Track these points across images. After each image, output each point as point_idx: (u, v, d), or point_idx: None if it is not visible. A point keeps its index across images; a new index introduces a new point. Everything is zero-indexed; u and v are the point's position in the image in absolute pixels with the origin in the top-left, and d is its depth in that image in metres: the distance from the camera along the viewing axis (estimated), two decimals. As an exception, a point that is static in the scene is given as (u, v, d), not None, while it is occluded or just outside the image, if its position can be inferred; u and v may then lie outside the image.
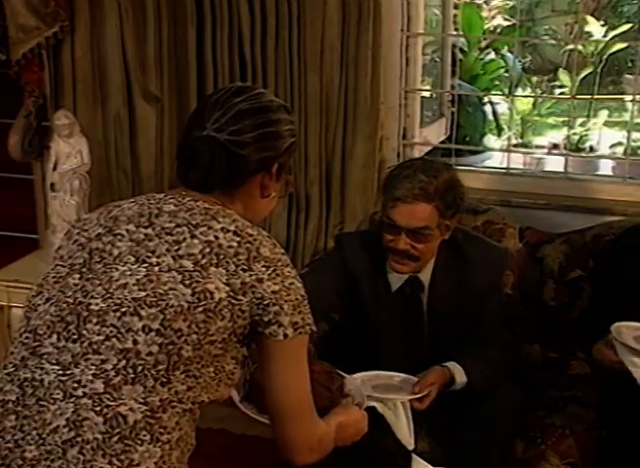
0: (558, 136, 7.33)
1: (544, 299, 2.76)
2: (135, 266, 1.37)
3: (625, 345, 2.11)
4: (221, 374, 1.40)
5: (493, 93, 6.00)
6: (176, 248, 1.38)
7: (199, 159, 1.49)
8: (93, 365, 1.31)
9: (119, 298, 1.34)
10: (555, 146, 7.33)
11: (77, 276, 1.40)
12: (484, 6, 6.82)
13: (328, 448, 1.55)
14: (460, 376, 2.25)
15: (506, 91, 6.56)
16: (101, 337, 1.32)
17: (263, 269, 1.39)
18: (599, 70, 6.79)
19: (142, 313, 1.33)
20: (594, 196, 2.93)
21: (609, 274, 2.45)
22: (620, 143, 6.72)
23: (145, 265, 1.37)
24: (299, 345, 1.42)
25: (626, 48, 7.60)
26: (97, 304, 1.35)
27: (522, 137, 6.76)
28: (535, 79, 7.20)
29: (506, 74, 6.30)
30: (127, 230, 1.43)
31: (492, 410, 2.23)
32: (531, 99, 6.63)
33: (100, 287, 1.37)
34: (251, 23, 2.93)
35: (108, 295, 1.35)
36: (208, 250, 1.38)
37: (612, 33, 6.98)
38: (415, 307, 2.36)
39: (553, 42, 8.48)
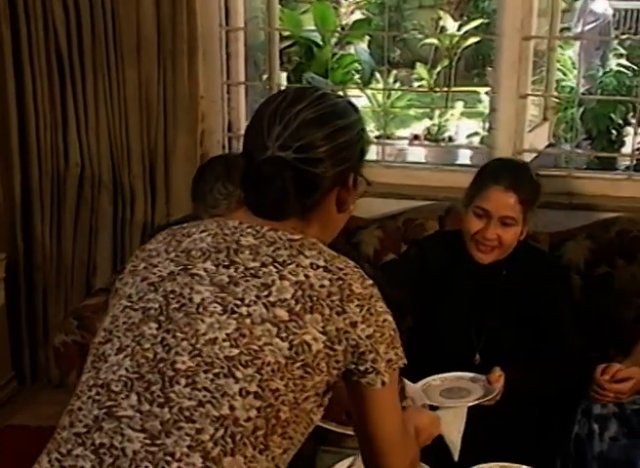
0: (420, 127, 7.58)
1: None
2: (223, 317, 1.20)
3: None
4: (310, 427, 1.27)
5: (347, 86, 6.15)
6: (265, 293, 1.21)
7: (268, 185, 1.28)
8: (187, 435, 1.14)
9: (210, 357, 1.17)
10: (416, 137, 7.57)
11: (154, 325, 1.22)
12: (342, 1, 6.98)
13: (416, 462, 1.45)
14: None
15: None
16: (194, 403, 1.15)
17: (357, 309, 1.23)
18: (454, 63, 7.04)
19: (238, 374, 1.16)
20: (407, 182, 3.05)
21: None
22: (476, 133, 7.02)
23: (235, 316, 1.20)
24: (392, 382, 1.28)
25: (480, 41, 7.91)
26: (183, 363, 1.18)
27: (385, 129, 6.93)
28: (395, 72, 7.41)
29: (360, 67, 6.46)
30: (205, 270, 1.24)
31: None
32: (391, 93, 6.82)
33: (184, 341, 1.19)
34: (65, 19, 2.92)
35: (196, 353, 1.18)
36: (300, 293, 1.21)
37: (465, 28, 7.24)
38: None
39: (416, 36, 8.71)
